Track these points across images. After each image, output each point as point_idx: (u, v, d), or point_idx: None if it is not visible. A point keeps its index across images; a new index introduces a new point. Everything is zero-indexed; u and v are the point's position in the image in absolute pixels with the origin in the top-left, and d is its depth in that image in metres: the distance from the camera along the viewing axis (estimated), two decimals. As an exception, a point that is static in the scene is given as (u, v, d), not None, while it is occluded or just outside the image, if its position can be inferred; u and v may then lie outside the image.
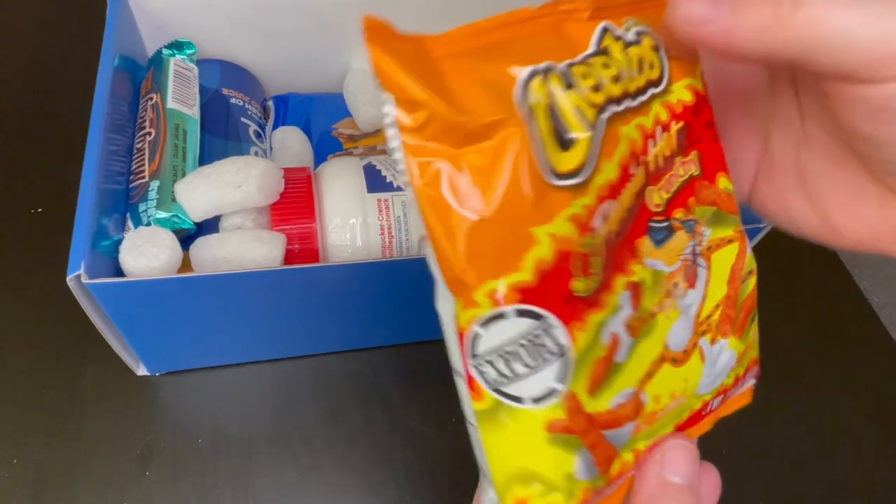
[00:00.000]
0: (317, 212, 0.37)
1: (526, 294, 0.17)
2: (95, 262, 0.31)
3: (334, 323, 0.39)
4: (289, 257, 0.36)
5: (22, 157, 0.50)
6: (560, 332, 0.17)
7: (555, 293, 0.17)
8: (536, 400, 0.18)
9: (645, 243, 0.20)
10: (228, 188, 0.35)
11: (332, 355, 0.42)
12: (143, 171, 0.37)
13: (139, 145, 0.38)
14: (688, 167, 0.21)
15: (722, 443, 0.41)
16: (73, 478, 0.37)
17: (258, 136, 0.44)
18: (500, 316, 0.17)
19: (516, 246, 0.17)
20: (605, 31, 0.20)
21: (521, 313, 0.17)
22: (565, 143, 0.18)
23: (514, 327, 0.17)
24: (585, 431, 0.18)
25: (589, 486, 0.19)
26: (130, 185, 0.38)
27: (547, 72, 0.18)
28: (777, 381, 0.44)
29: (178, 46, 0.43)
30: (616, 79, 0.19)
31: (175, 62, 0.42)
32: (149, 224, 0.35)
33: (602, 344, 0.18)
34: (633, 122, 0.20)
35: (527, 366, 0.17)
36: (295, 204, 0.37)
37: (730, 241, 0.22)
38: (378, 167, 0.39)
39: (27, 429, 0.38)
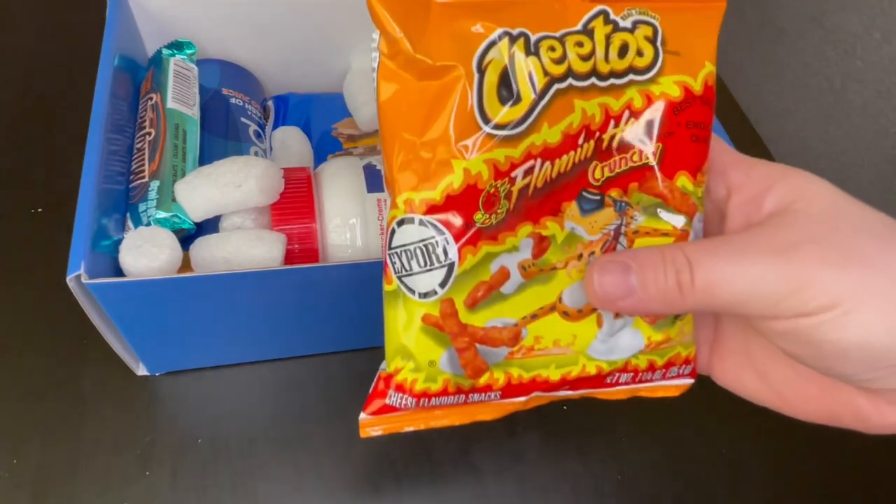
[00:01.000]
0: (317, 212, 0.37)
1: (431, 209, 0.21)
2: (95, 262, 0.31)
3: (334, 323, 0.39)
4: (289, 257, 0.36)
5: (22, 157, 0.50)
6: (450, 247, 0.22)
7: (455, 216, 0.21)
8: (422, 295, 0.22)
9: (571, 207, 0.23)
10: (228, 188, 0.35)
11: (332, 355, 0.42)
12: (143, 171, 0.37)
13: (139, 145, 0.38)
14: (644, 156, 0.23)
15: (722, 443, 0.41)
16: (73, 478, 0.37)
17: (258, 136, 0.44)
18: (409, 221, 0.22)
19: (436, 170, 0.21)
20: (597, 14, 0.22)
21: (423, 223, 0.22)
22: (506, 99, 0.21)
23: (417, 232, 0.22)
24: (455, 334, 0.22)
25: (451, 379, 0.23)
26: (130, 185, 0.38)
27: (518, 37, 0.21)
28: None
29: (178, 46, 0.43)
30: (585, 57, 0.22)
31: (175, 62, 0.42)
32: (149, 224, 0.35)
33: (490, 271, 0.22)
34: (596, 100, 0.22)
35: (420, 266, 0.22)
36: (295, 204, 0.37)
37: (664, 234, 0.24)
38: (378, 167, 0.39)
39: (27, 429, 0.38)
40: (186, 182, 0.35)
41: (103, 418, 0.39)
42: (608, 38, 0.22)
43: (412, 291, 0.22)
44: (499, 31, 0.21)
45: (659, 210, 0.23)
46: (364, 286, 0.35)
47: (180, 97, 0.40)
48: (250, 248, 0.34)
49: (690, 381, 0.26)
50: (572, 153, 0.22)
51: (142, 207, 0.36)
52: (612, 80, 0.22)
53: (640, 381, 0.26)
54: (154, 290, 0.32)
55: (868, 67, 0.57)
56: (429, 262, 0.22)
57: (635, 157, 0.23)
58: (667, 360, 0.25)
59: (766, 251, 0.20)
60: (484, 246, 0.22)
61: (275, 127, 0.47)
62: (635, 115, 0.23)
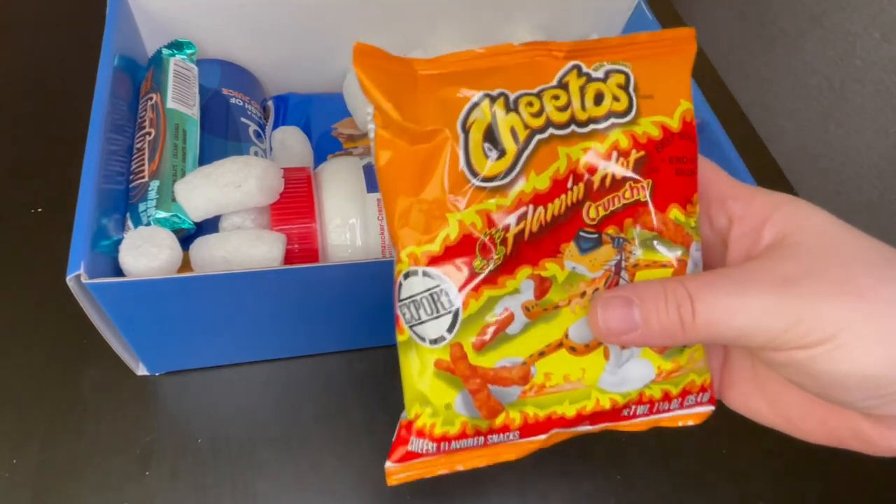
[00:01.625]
0: (317, 212, 0.37)
1: (433, 260, 0.23)
2: (95, 262, 0.31)
3: (334, 323, 0.39)
4: (289, 257, 0.36)
5: (22, 157, 0.50)
6: (453, 294, 0.23)
7: (455, 265, 0.23)
8: (432, 341, 0.24)
9: (570, 247, 0.24)
10: (228, 188, 0.35)
11: (332, 355, 0.42)
12: (142, 171, 0.37)
13: (139, 145, 0.39)
14: (636, 192, 0.25)
15: (722, 443, 0.41)
16: (73, 478, 0.37)
17: (258, 135, 0.44)
18: (413, 273, 0.23)
19: (434, 224, 0.23)
20: (571, 69, 0.25)
21: (427, 274, 0.23)
22: (491, 154, 0.23)
23: (421, 283, 0.23)
24: (467, 377, 0.24)
25: (468, 422, 0.24)
26: (130, 185, 0.38)
27: (498, 97, 0.24)
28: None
29: (177, 46, 0.43)
30: (562, 108, 0.24)
31: (175, 62, 0.42)
32: (148, 224, 0.35)
33: (495, 313, 0.24)
34: (579, 146, 0.24)
35: (428, 314, 0.23)
36: (295, 204, 0.37)
37: (662, 266, 0.25)
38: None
39: (27, 429, 0.38)
40: (186, 182, 0.35)
41: (103, 418, 0.39)
42: (582, 89, 0.24)
43: (423, 339, 0.24)
44: (479, 94, 0.24)
45: (655, 243, 0.25)
46: (364, 286, 0.35)
47: (180, 97, 0.40)
48: (250, 247, 0.34)
49: (710, 408, 0.27)
50: (563, 196, 0.24)
51: (141, 207, 0.36)
52: (592, 126, 0.24)
53: (659, 412, 0.26)
54: (154, 290, 0.32)
55: (868, 67, 0.57)
56: (435, 310, 0.23)
57: (627, 195, 0.25)
58: (682, 388, 0.26)
59: (765, 286, 0.21)
60: (486, 291, 0.23)
61: (275, 127, 0.47)
62: (623, 154, 0.24)
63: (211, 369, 0.41)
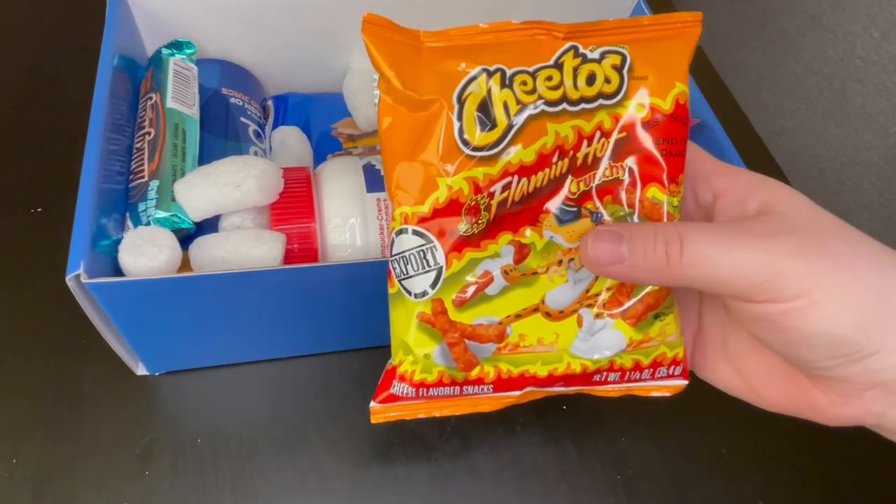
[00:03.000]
0: (316, 211, 0.37)
1: (422, 220, 0.25)
2: (95, 261, 0.31)
3: (334, 323, 0.39)
4: (288, 257, 0.36)
5: (22, 157, 0.50)
6: (438, 252, 0.25)
7: (443, 225, 0.25)
8: (417, 295, 0.25)
9: (550, 218, 0.26)
10: (228, 188, 0.35)
11: (332, 355, 0.42)
12: (142, 171, 0.37)
13: (139, 145, 0.39)
14: (616, 170, 0.26)
15: (722, 443, 0.41)
16: (72, 477, 0.37)
17: (258, 135, 0.44)
18: (404, 231, 0.25)
19: (425, 187, 0.25)
20: (568, 49, 0.26)
21: (416, 233, 0.25)
22: (484, 125, 0.25)
23: (411, 241, 0.25)
24: (446, 331, 0.26)
25: (445, 371, 0.26)
26: (130, 185, 0.38)
27: (495, 72, 0.25)
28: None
29: (177, 46, 0.43)
30: (554, 87, 0.25)
31: (175, 62, 0.42)
32: (148, 224, 0.35)
33: (475, 273, 0.25)
34: (568, 123, 0.25)
35: (415, 269, 0.25)
36: (294, 204, 0.37)
37: None
38: (378, 167, 0.39)
39: (27, 429, 0.38)
40: (186, 182, 0.35)
41: (103, 418, 0.39)
42: (576, 70, 0.26)
43: (409, 293, 0.26)
44: (478, 68, 0.25)
45: (631, 219, 0.26)
46: (363, 286, 0.35)
47: (180, 97, 0.40)
48: (250, 247, 0.34)
49: (683, 381, 0.28)
50: (547, 170, 0.26)
51: (141, 207, 0.36)
52: (582, 105, 0.25)
53: (630, 381, 0.28)
54: (153, 290, 0.32)
55: (867, 67, 0.57)
56: (422, 266, 0.25)
57: (607, 173, 0.26)
58: (652, 359, 0.27)
59: (751, 237, 0.22)
60: (468, 252, 0.25)
61: (274, 127, 0.47)
62: (606, 134, 0.26)
63: (211, 369, 0.41)
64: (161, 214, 0.35)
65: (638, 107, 0.26)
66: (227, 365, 0.42)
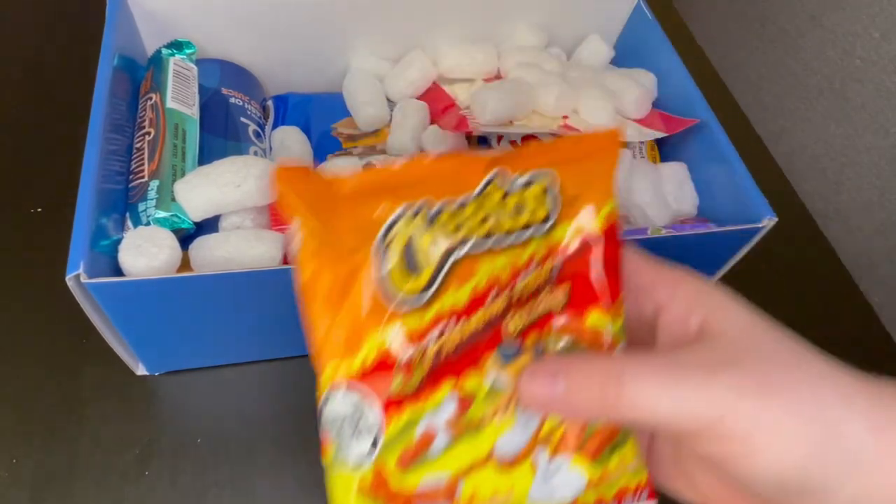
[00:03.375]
0: (316, 211, 0.37)
1: (353, 380, 0.23)
2: (95, 261, 0.31)
3: (334, 323, 0.39)
4: (288, 257, 0.36)
5: (22, 157, 0.50)
6: (373, 415, 0.23)
7: (376, 384, 0.23)
8: (354, 463, 0.23)
9: (492, 360, 0.24)
10: (228, 188, 0.35)
11: (331, 355, 0.42)
12: (142, 171, 0.37)
13: (138, 145, 0.39)
14: (556, 298, 0.24)
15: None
16: (72, 478, 0.37)
17: (258, 135, 0.44)
18: (334, 394, 0.23)
19: (353, 343, 0.23)
20: (493, 177, 0.24)
21: (348, 394, 0.23)
22: (409, 272, 0.23)
23: (342, 404, 0.23)
24: (388, 498, 0.23)
25: None
26: (130, 185, 0.38)
27: (418, 212, 0.24)
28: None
29: (177, 46, 0.43)
30: (483, 220, 0.24)
31: (174, 62, 0.42)
32: (148, 224, 0.35)
33: (415, 434, 0.23)
34: (500, 258, 0.24)
35: (350, 435, 0.23)
36: (294, 204, 0.37)
37: None
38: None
39: (27, 429, 0.38)
40: (186, 182, 0.35)
41: (103, 418, 0.39)
42: (503, 200, 0.24)
43: (345, 461, 0.23)
44: (399, 209, 0.24)
45: (575, 348, 0.24)
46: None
47: (180, 97, 0.40)
48: (249, 248, 0.34)
49: (652, 503, 0.26)
50: (483, 310, 0.24)
51: (141, 207, 0.36)
52: (512, 238, 0.24)
53: None
54: (153, 290, 0.32)
55: (867, 67, 0.57)
56: (356, 431, 0.23)
57: (545, 302, 0.24)
58: (616, 492, 0.25)
59: (691, 372, 0.21)
60: (407, 409, 0.23)
61: (274, 127, 0.47)
62: (541, 263, 0.24)
63: (210, 369, 0.41)
64: (161, 214, 0.35)
65: (571, 231, 0.25)
66: (227, 365, 0.41)
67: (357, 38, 0.49)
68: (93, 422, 0.39)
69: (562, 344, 0.24)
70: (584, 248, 0.25)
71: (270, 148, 0.45)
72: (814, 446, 0.20)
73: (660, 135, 0.44)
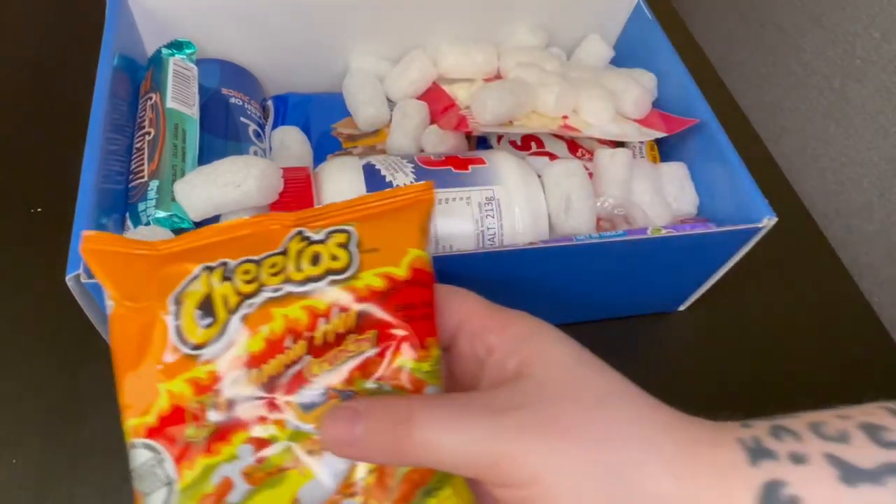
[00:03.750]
0: (316, 211, 0.37)
1: (149, 432, 0.24)
2: (95, 261, 0.31)
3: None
4: (288, 257, 0.36)
5: (22, 157, 0.50)
6: (169, 465, 0.23)
7: (170, 435, 0.24)
8: None
9: (292, 407, 0.24)
10: (228, 188, 0.35)
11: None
12: (142, 171, 0.37)
13: (138, 145, 0.39)
14: (361, 344, 0.25)
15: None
16: (72, 478, 0.37)
17: (258, 135, 0.44)
18: (133, 445, 0.24)
19: (149, 395, 0.24)
20: (294, 235, 0.26)
21: (145, 446, 0.24)
22: (203, 323, 0.24)
23: (141, 455, 0.24)
24: None
25: None
26: (130, 185, 0.38)
27: (217, 268, 0.25)
28: (777, 380, 0.44)
29: (177, 46, 0.43)
30: (276, 272, 0.25)
31: (174, 62, 0.42)
32: (148, 224, 0.35)
33: (211, 484, 0.23)
34: (297, 305, 0.25)
35: (149, 487, 0.23)
36: (294, 203, 0.37)
37: None
38: (377, 167, 0.39)
39: (27, 428, 0.38)
40: (186, 181, 0.35)
41: (103, 418, 0.39)
42: (300, 252, 0.26)
43: None
44: (199, 267, 0.25)
45: (385, 392, 0.24)
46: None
47: (180, 97, 0.40)
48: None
49: None
50: (281, 356, 0.24)
51: (141, 207, 0.36)
52: (311, 285, 0.25)
53: None
54: (153, 290, 0.32)
55: (867, 67, 0.57)
56: (154, 483, 0.24)
57: (352, 347, 0.25)
58: None
59: (477, 414, 0.20)
60: (200, 459, 0.23)
61: (274, 127, 0.47)
62: (343, 310, 0.25)
63: (210, 369, 0.41)
64: (161, 214, 0.35)
65: (374, 278, 0.25)
66: (227, 365, 0.41)
67: (357, 38, 0.49)
68: (93, 421, 0.39)
69: (368, 387, 0.24)
70: (389, 294, 0.25)
71: (270, 148, 0.45)
72: (608, 489, 0.19)
73: (660, 134, 0.44)
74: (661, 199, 0.43)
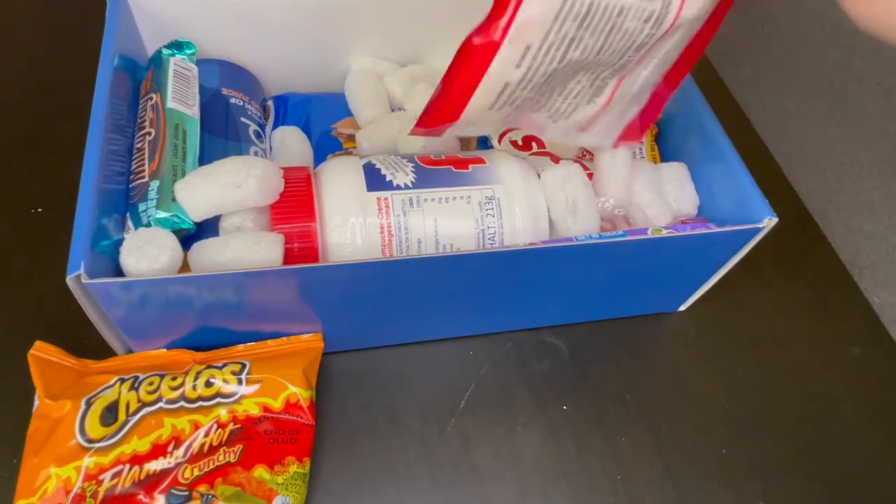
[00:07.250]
0: (317, 211, 0.37)
1: None
2: (95, 262, 0.31)
3: (333, 322, 0.39)
4: (288, 256, 0.36)
5: (22, 157, 0.50)
6: None
7: None
8: None
9: (160, 502, 0.31)
10: (228, 188, 0.35)
11: (331, 355, 0.42)
12: (142, 171, 0.37)
13: (139, 145, 0.39)
14: (228, 455, 0.32)
15: (722, 442, 0.41)
16: (72, 477, 0.37)
17: (258, 135, 0.44)
18: None
19: (39, 479, 0.30)
20: (199, 362, 0.35)
21: None
22: (106, 422, 0.31)
23: None
24: None
25: None
26: (130, 185, 0.38)
27: (128, 379, 0.33)
28: (777, 380, 0.44)
29: (177, 46, 0.43)
30: (175, 388, 0.33)
31: (175, 62, 0.42)
32: (148, 224, 0.35)
33: None
34: (185, 418, 0.32)
35: None
36: (295, 203, 0.37)
37: None
38: (378, 166, 0.39)
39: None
40: (186, 182, 0.35)
41: (103, 418, 0.39)
42: (198, 374, 0.34)
43: None
44: (115, 378, 0.33)
45: (241, 498, 0.31)
46: (363, 285, 0.35)
47: (180, 97, 0.40)
48: (249, 252, 0.34)
49: None
50: (162, 458, 0.31)
51: (141, 207, 0.36)
52: (200, 403, 0.33)
53: None
54: (153, 291, 0.32)
55: (867, 67, 0.57)
56: None
57: (220, 458, 0.32)
58: None
59: None
60: None
61: (274, 127, 0.47)
62: (222, 426, 0.33)
63: (211, 369, 0.41)
64: (161, 214, 0.35)
65: (253, 405, 0.33)
66: (227, 365, 0.41)
67: (357, 38, 0.49)
68: (93, 422, 0.39)
69: (230, 493, 0.31)
70: (261, 420, 0.33)
71: (270, 148, 0.45)
72: None
73: (636, 145, 0.44)
74: (662, 199, 0.43)
